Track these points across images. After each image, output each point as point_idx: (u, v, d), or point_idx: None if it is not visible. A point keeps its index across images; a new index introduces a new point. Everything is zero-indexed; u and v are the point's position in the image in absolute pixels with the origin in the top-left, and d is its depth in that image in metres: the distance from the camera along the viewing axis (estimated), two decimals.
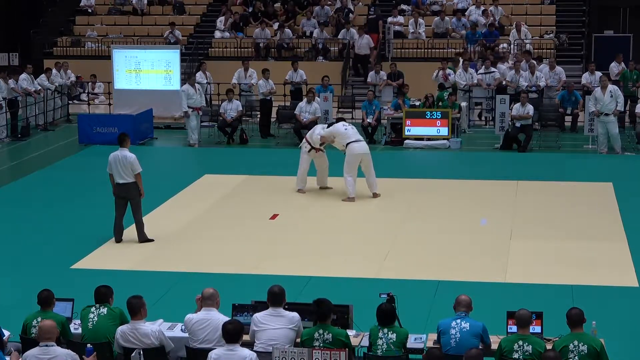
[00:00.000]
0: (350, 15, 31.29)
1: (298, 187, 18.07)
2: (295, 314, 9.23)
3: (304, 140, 18.17)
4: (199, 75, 25.96)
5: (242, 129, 23.94)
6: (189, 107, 23.16)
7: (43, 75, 26.56)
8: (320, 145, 17.82)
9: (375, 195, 17.65)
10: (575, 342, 8.58)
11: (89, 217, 16.39)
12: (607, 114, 21.67)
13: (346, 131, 17.43)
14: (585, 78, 25.24)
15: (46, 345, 8.30)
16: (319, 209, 17.18)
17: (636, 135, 22.71)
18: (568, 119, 24.54)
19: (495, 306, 10.84)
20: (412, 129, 23.07)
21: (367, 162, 17.51)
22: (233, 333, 8.39)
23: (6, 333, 9.38)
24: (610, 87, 22.01)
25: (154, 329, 9.17)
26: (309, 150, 17.87)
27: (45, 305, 9.43)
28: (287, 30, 30.68)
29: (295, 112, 23.35)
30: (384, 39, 29.79)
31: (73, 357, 8.40)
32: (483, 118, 26.23)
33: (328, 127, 18.02)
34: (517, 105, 22.55)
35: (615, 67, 25.72)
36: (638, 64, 25.59)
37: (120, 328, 9.19)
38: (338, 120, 18.34)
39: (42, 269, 13.58)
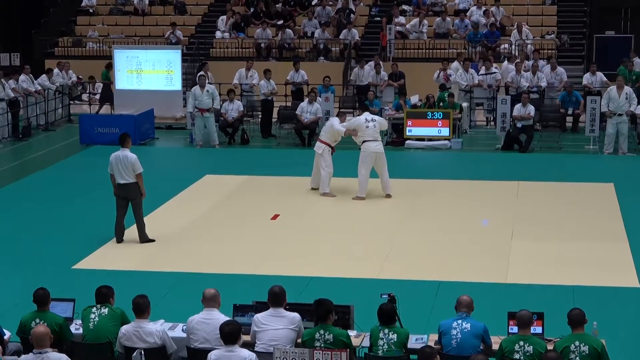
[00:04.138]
0: (352, 15, 31.29)
1: (325, 190, 17.86)
2: (296, 315, 9.23)
3: (320, 145, 17.91)
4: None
5: (243, 129, 23.94)
6: (196, 108, 23.11)
7: (44, 75, 26.59)
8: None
9: (387, 196, 17.68)
10: (577, 343, 8.58)
11: (90, 218, 16.40)
12: (620, 115, 21.75)
13: (367, 129, 17.46)
14: (587, 79, 25.25)
15: (40, 353, 8.28)
16: (320, 209, 17.18)
17: (637, 136, 22.75)
18: (569, 119, 24.56)
19: (496, 307, 10.83)
20: (414, 130, 23.08)
21: (380, 162, 17.56)
22: (230, 334, 8.39)
23: (7, 333, 9.38)
24: (626, 88, 22.13)
25: (158, 328, 9.20)
26: (332, 153, 17.86)
27: (42, 304, 9.41)
28: (289, 31, 30.69)
29: (296, 112, 23.36)
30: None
31: None
32: (485, 117, 26.26)
33: (337, 114, 18.16)
34: (519, 105, 22.57)
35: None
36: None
37: (123, 327, 9.20)
38: (363, 105, 18.27)
39: (43, 269, 13.59)
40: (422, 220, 16.41)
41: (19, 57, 33.31)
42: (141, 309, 9.17)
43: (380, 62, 26.82)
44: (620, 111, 21.83)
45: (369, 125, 17.49)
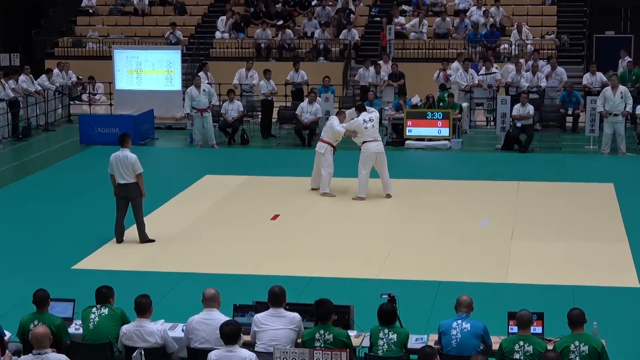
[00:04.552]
0: (352, 15, 31.30)
1: (325, 190, 17.86)
2: (296, 315, 9.23)
3: (322, 144, 17.89)
4: (200, 76, 26.00)
5: (243, 129, 23.95)
6: (194, 108, 23.12)
7: (44, 75, 26.59)
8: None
9: (388, 196, 17.67)
10: (577, 343, 8.59)
11: (90, 218, 16.40)
12: (615, 114, 21.72)
13: (366, 130, 17.45)
14: (587, 79, 25.26)
15: (39, 354, 8.28)
16: (320, 209, 17.19)
17: (637, 136, 22.73)
18: (569, 119, 24.57)
19: (496, 307, 10.83)
20: (413, 130, 23.09)
21: (380, 162, 17.55)
22: (231, 334, 8.39)
23: (7, 334, 9.38)
24: (621, 87, 22.11)
25: (159, 328, 9.21)
26: (334, 152, 17.87)
27: (41, 306, 9.40)
28: (288, 31, 30.70)
29: (296, 112, 23.36)
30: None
31: None
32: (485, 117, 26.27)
33: (337, 113, 18.16)
34: (518, 105, 22.59)
35: None
36: (637, 65, 25.76)
37: (124, 327, 9.22)
38: (359, 106, 18.26)
39: (43, 270, 13.59)
40: (422, 221, 16.41)
41: (19, 57, 33.34)
42: (143, 308, 9.19)
43: (390, 62, 26.79)
44: (615, 111, 21.77)
45: (368, 125, 17.48)
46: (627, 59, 26.75)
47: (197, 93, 23.20)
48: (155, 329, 9.17)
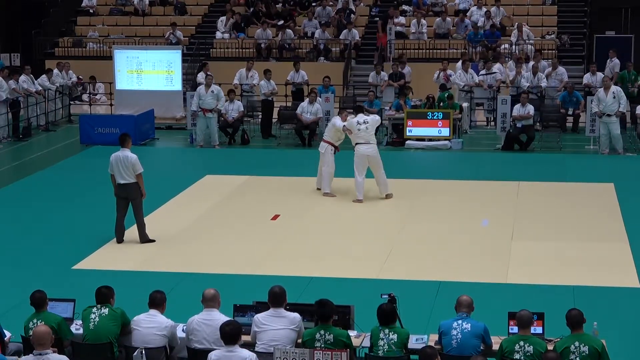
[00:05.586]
0: (352, 15, 31.30)
1: (326, 190, 17.89)
2: (296, 315, 9.24)
3: (323, 144, 17.91)
4: (200, 76, 25.99)
5: (243, 129, 23.94)
6: (200, 108, 23.09)
7: (44, 75, 26.58)
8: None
9: (387, 197, 17.66)
10: (577, 343, 8.59)
11: (91, 218, 16.40)
12: (609, 115, 21.67)
13: (359, 131, 17.41)
14: (587, 79, 25.27)
15: (40, 354, 8.28)
16: (320, 209, 17.18)
17: (637, 136, 22.72)
18: (570, 119, 24.56)
19: (497, 307, 10.85)
20: (414, 130, 23.08)
21: (374, 164, 17.51)
22: (231, 334, 8.40)
23: (7, 334, 9.38)
24: (613, 88, 22.03)
25: (169, 322, 9.29)
26: (334, 152, 17.86)
27: (39, 307, 9.40)
28: (289, 31, 30.70)
29: (297, 112, 23.36)
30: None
31: None
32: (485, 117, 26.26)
33: (338, 113, 18.17)
34: (518, 105, 22.59)
35: None
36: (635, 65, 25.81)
37: (137, 316, 9.34)
38: (357, 107, 18.25)
39: (43, 270, 13.59)
40: (422, 221, 16.41)
41: (19, 57, 33.34)
42: (157, 302, 9.39)
43: (405, 63, 26.80)
44: (608, 111, 21.69)
45: (361, 127, 17.41)
46: (615, 59, 26.68)
47: (205, 92, 23.17)
48: (165, 321, 9.29)
